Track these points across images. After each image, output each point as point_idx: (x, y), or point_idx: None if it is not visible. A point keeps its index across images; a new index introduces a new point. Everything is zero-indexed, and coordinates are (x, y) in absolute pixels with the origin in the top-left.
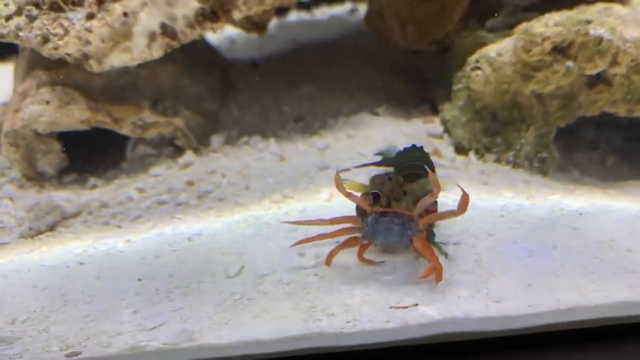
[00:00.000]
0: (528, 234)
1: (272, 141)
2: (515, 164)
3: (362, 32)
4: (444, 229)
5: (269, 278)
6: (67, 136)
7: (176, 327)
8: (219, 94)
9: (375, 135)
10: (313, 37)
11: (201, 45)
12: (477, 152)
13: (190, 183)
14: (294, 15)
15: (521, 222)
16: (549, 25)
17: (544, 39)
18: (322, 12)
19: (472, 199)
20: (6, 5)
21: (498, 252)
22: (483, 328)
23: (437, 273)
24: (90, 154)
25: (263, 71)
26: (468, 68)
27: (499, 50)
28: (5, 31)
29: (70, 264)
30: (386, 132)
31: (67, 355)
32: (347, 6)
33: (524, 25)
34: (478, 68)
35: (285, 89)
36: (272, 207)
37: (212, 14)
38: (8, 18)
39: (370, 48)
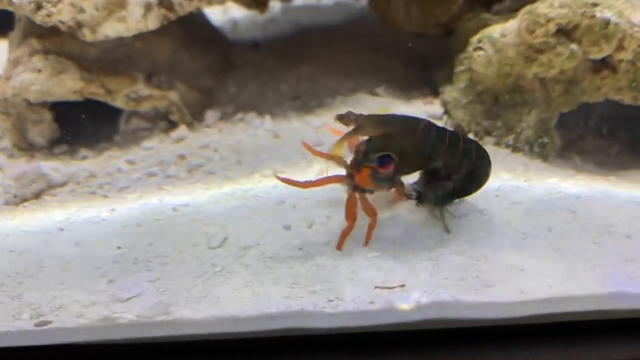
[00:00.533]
0: (523, 215)
1: (267, 118)
2: (515, 148)
3: (366, 17)
4: None
5: (252, 251)
6: (61, 107)
7: (152, 299)
8: (217, 71)
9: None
10: (317, 21)
11: (201, 22)
12: (476, 134)
13: (181, 157)
14: (299, 0)
15: (517, 202)
16: (554, 6)
17: (548, 20)
18: None
19: None
20: None
21: (491, 233)
22: (472, 315)
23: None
24: (83, 126)
25: (264, 52)
26: (470, 48)
27: (503, 31)
28: None
29: (51, 230)
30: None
31: (37, 325)
32: None
33: (528, 7)
34: (480, 48)
35: (284, 68)
36: (262, 181)
37: None
38: None
39: (373, 32)
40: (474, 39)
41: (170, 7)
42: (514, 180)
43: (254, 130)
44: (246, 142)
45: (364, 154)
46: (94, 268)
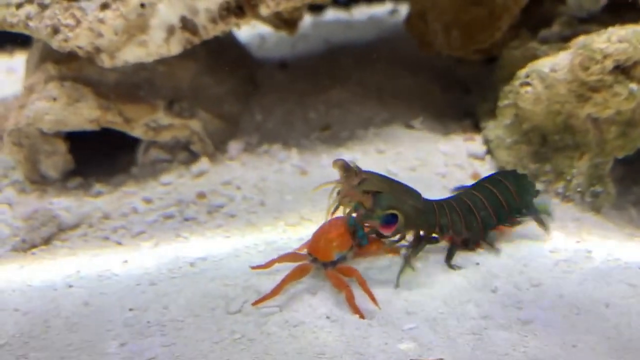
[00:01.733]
0: (577, 287)
1: (294, 151)
2: (565, 197)
3: (401, 35)
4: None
5: (274, 317)
6: (75, 135)
7: None
8: (242, 95)
9: (407, 151)
10: (348, 38)
11: (227, 42)
12: None
13: (201, 195)
14: (330, 14)
15: (570, 272)
16: (611, 40)
17: (605, 56)
18: (361, 12)
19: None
20: None
21: (541, 307)
22: None
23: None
24: (99, 156)
25: (292, 72)
26: (517, 83)
27: (553, 65)
28: (14, 20)
29: (59, 286)
30: (420, 149)
31: None
32: (388, 7)
33: (582, 39)
34: (528, 84)
35: (313, 93)
36: (287, 231)
37: (237, 9)
38: (19, 6)
39: (409, 53)
40: (522, 72)
41: (194, 31)
42: (567, 242)
43: (279, 164)
44: (271, 179)
45: (370, 209)
46: (105, 330)
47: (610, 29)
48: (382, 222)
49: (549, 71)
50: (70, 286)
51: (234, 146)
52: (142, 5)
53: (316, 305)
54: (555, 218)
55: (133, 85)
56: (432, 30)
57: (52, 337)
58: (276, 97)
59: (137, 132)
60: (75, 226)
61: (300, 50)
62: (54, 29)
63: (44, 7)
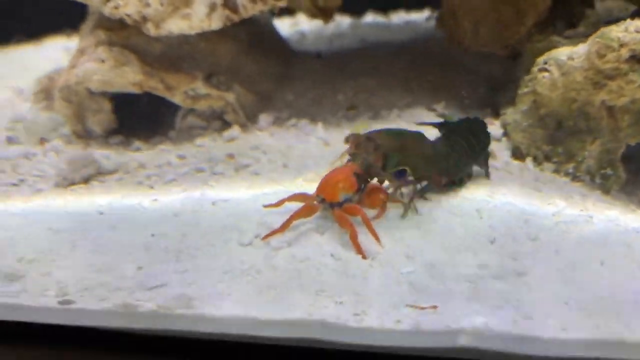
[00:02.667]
0: (575, 245)
1: (319, 126)
2: (575, 177)
3: (433, 37)
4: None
5: (282, 252)
6: (123, 98)
7: (176, 290)
8: (277, 77)
9: (426, 130)
10: (384, 38)
11: (268, 30)
12: (535, 159)
13: (230, 156)
14: (369, 18)
15: (569, 231)
16: (629, 30)
17: (622, 45)
18: (399, 17)
19: (520, 203)
20: None
21: (537, 260)
22: (506, 348)
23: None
24: (142, 120)
25: (326, 62)
26: (535, 69)
27: (571, 53)
28: None
29: (91, 212)
30: None
31: (60, 303)
32: (426, 13)
33: (600, 30)
34: (545, 70)
35: (343, 79)
36: (304, 185)
37: None
38: None
39: (439, 50)
40: (540, 59)
41: (234, 9)
42: (569, 209)
43: (305, 136)
44: (296, 147)
45: (382, 167)
46: (126, 253)
47: (629, 20)
48: (394, 177)
49: (566, 59)
50: (101, 213)
51: (265, 118)
52: None
53: (323, 243)
54: (561, 192)
55: (176, 57)
56: (462, 27)
57: (77, 256)
58: (309, 82)
59: (176, 98)
60: (113, 171)
61: (337, 46)
62: None
63: None
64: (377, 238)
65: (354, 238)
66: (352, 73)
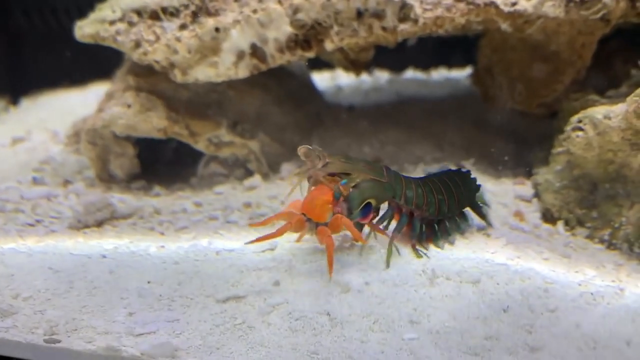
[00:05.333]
0: (599, 319)
1: None
2: (611, 245)
3: (471, 93)
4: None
5: (279, 308)
6: (148, 143)
7: (163, 339)
8: (305, 128)
9: None
10: (420, 93)
11: (301, 82)
12: (566, 222)
13: (247, 205)
14: (409, 74)
15: (594, 304)
16: None
17: None
18: (440, 74)
19: (543, 269)
20: (113, 11)
21: (554, 334)
22: None
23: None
24: (165, 165)
25: (358, 114)
26: (569, 128)
27: (607, 112)
28: (106, 34)
29: (93, 255)
30: None
31: (46, 341)
32: (468, 70)
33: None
34: (580, 129)
35: (373, 131)
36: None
37: (304, 42)
38: (112, 23)
39: (474, 106)
40: (574, 118)
41: (262, 58)
42: (598, 279)
43: None
44: None
45: (347, 211)
46: (119, 298)
47: None
48: (362, 216)
49: (602, 118)
50: (104, 257)
51: (286, 167)
52: (217, 30)
53: (323, 302)
54: (593, 259)
55: (203, 105)
56: (498, 85)
57: (72, 297)
58: (337, 133)
59: (200, 145)
60: (127, 216)
61: (371, 99)
62: (136, 43)
63: (132, 24)
64: (330, 266)
65: (330, 252)
66: (382, 126)
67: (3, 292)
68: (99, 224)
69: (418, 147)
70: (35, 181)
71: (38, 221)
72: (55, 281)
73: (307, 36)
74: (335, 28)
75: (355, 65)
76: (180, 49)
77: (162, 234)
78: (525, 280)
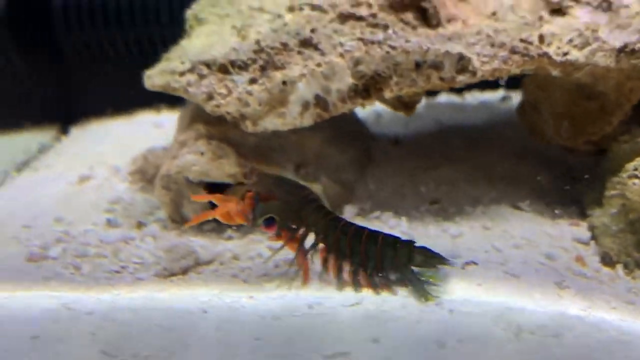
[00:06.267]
0: None
1: (403, 220)
2: None
3: (509, 121)
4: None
5: None
6: (217, 185)
7: None
8: (359, 165)
9: (514, 230)
10: (459, 120)
11: (348, 117)
12: (625, 266)
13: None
14: (443, 97)
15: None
16: None
17: None
18: (473, 97)
19: (614, 319)
20: (182, 62)
21: None
22: None
23: None
24: None
25: (404, 148)
26: (625, 175)
27: None
28: (177, 85)
29: (195, 310)
30: (526, 229)
31: None
32: (500, 93)
33: None
34: (636, 177)
35: (424, 169)
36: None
37: (364, 91)
38: (182, 74)
39: (518, 138)
40: (630, 165)
41: (325, 108)
42: None
43: (389, 230)
44: None
45: (252, 220)
46: (233, 355)
47: None
48: (265, 225)
49: None
50: (205, 312)
51: (349, 209)
52: (284, 83)
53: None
54: None
55: (268, 149)
56: (544, 120)
57: (189, 355)
58: (390, 170)
59: None
60: (209, 262)
61: (413, 128)
62: (208, 95)
63: (202, 76)
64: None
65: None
66: (430, 161)
67: (124, 351)
68: (184, 271)
69: (472, 187)
70: (110, 223)
71: (123, 267)
72: (169, 340)
73: (367, 85)
74: (395, 79)
75: (406, 107)
76: (251, 102)
77: (245, 281)
78: (602, 332)
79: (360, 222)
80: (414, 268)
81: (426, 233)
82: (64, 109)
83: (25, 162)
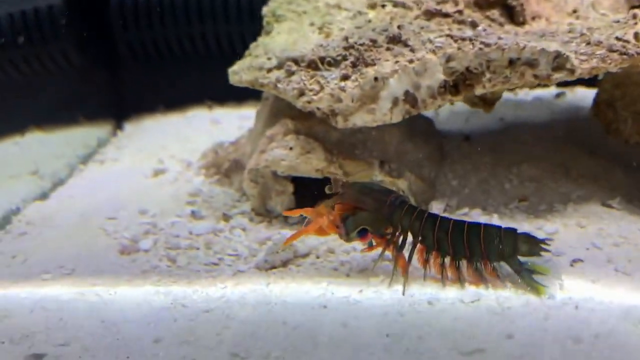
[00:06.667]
0: None
1: (495, 217)
2: None
3: (573, 118)
4: None
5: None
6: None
7: None
8: (436, 162)
9: (609, 229)
10: (521, 117)
11: (420, 115)
12: None
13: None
14: None
15: None
16: None
17: None
18: (525, 93)
19: None
20: (269, 59)
21: None
22: None
23: None
24: (313, 201)
25: (475, 145)
26: None
27: None
28: (265, 81)
29: (314, 305)
30: (622, 227)
31: None
32: (551, 90)
33: None
34: None
35: (504, 165)
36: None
37: (452, 88)
38: (269, 70)
39: (586, 135)
40: None
41: (414, 104)
42: None
43: None
44: None
45: (345, 235)
46: (367, 354)
47: None
48: (359, 237)
49: None
50: (325, 307)
51: (436, 206)
52: (376, 79)
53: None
54: None
55: (350, 145)
56: (621, 119)
57: (320, 353)
58: (469, 167)
59: None
60: (305, 255)
61: (476, 126)
62: (300, 91)
63: (290, 73)
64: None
65: (306, 230)
66: (507, 158)
67: (252, 353)
68: (284, 263)
69: (556, 183)
70: (195, 215)
71: (220, 259)
72: (298, 338)
73: (456, 82)
74: (487, 75)
75: (487, 103)
76: (344, 98)
77: (348, 275)
78: None
79: None
80: (520, 259)
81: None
82: (118, 105)
83: (88, 155)
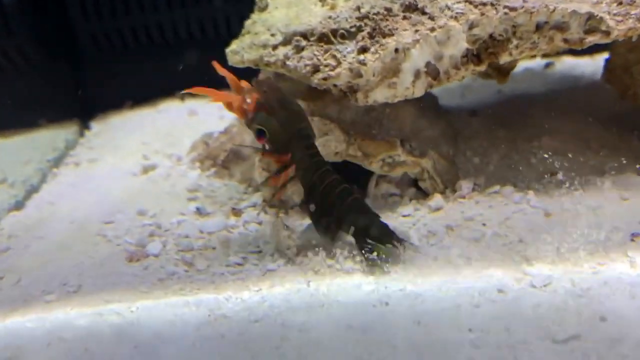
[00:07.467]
0: None
1: (530, 194)
2: None
3: (570, 87)
4: None
5: None
6: None
7: None
8: (451, 138)
9: None
10: (518, 89)
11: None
12: None
13: (450, 227)
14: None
15: None
16: None
17: None
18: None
19: None
20: (273, 35)
21: None
22: None
23: None
24: None
25: (484, 119)
26: None
27: None
28: (272, 59)
29: (375, 303)
30: None
31: None
32: (538, 60)
33: None
34: None
35: (523, 139)
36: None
37: (475, 57)
38: (274, 47)
39: (591, 103)
40: None
41: (435, 76)
42: None
43: (516, 205)
44: (514, 218)
45: (250, 120)
46: (455, 352)
47: None
48: (256, 134)
49: None
50: (387, 304)
51: (465, 185)
52: (396, 50)
53: None
54: None
55: (365, 124)
56: (638, 83)
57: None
58: (485, 142)
59: (374, 166)
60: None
61: (473, 99)
62: (314, 67)
63: (300, 49)
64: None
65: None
66: (522, 132)
67: None
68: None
69: (583, 156)
70: (201, 212)
71: (243, 258)
72: (369, 344)
73: (478, 50)
74: (514, 41)
75: (501, 73)
76: (365, 73)
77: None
78: None
79: (479, 198)
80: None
81: (561, 206)
82: (83, 104)
83: (58, 158)
